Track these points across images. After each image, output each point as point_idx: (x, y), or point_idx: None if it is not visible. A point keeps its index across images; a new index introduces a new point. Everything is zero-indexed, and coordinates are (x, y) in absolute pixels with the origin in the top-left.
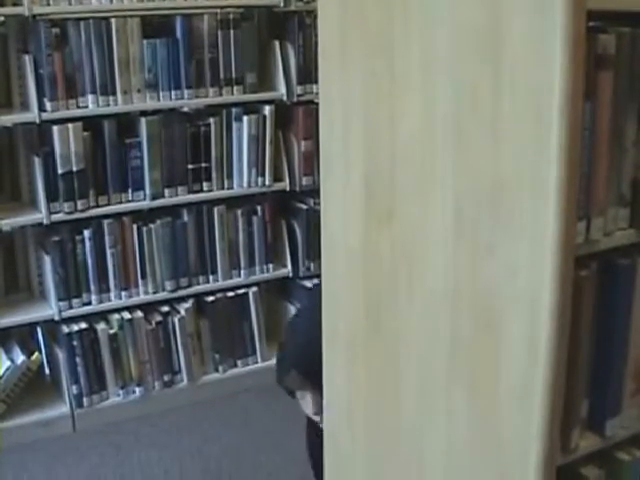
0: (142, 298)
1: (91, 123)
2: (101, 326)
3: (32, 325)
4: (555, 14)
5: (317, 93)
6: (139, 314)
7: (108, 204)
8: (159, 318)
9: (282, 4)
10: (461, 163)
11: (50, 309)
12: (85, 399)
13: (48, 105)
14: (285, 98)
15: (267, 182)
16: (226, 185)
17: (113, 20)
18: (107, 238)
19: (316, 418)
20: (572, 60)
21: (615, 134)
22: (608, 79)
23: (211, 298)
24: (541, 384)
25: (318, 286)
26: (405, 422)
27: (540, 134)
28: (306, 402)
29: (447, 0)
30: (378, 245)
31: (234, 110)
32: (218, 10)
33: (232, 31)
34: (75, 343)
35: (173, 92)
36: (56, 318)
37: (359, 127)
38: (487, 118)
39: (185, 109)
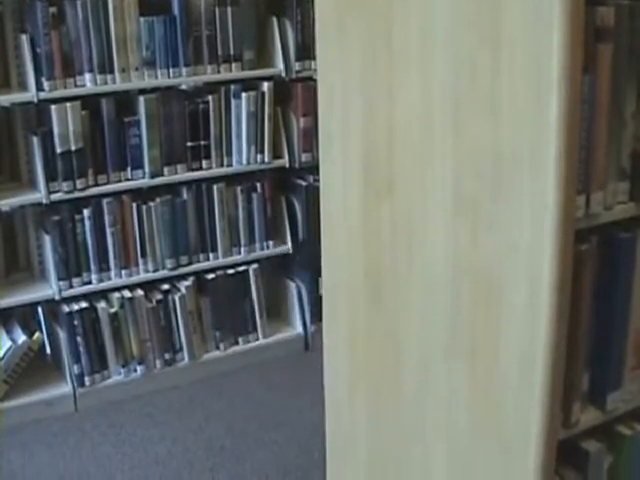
0: (142, 277)
1: (89, 102)
2: (102, 305)
3: (33, 305)
4: None
5: (316, 69)
6: (139, 293)
7: (107, 183)
8: (159, 296)
9: None
10: (460, 139)
11: (50, 289)
12: (87, 378)
13: (46, 84)
14: (284, 74)
15: (266, 159)
16: (225, 162)
17: None
18: (107, 217)
19: None
20: (570, 32)
21: (614, 107)
22: (607, 51)
23: (211, 276)
24: (542, 358)
25: None
26: (406, 395)
27: (539, 108)
28: None
29: None
30: (377, 220)
31: (232, 87)
32: None
33: (229, 8)
34: (76, 322)
35: (171, 70)
36: (56, 298)
37: (358, 103)
38: (486, 93)
39: (183, 87)
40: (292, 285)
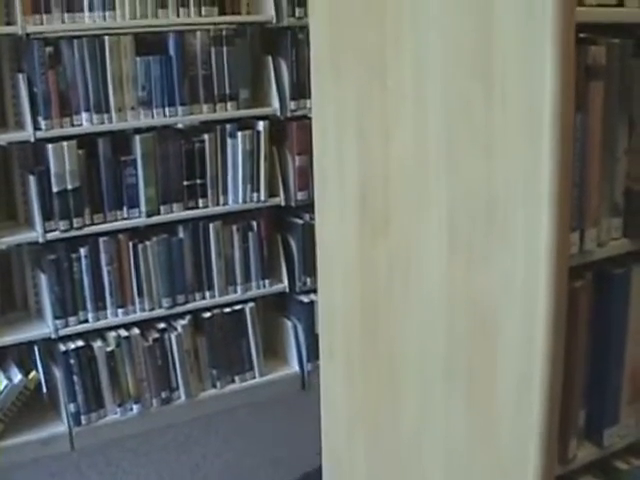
0: (139, 315)
1: (86, 141)
2: (98, 344)
3: (29, 344)
4: (545, 27)
5: (310, 108)
6: (136, 331)
7: (104, 222)
8: (156, 335)
9: (275, 20)
10: (454, 176)
11: (47, 327)
12: (83, 417)
13: (42, 124)
14: (279, 113)
15: (262, 197)
16: (221, 201)
17: (106, 38)
18: (103, 256)
19: None
20: (563, 72)
21: (606, 144)
22: (599, 89)
23: (208, 314)
24: (538, 394)
25: None
26: (404, 429)
27: (532, 146)
28: None
29: (438, 16)
30: (374, 258)
31: (228, 126)
32: (211, 27)
33: (225, 47)
34: (72, 361)
35: (167, 109)
36: (53, 336)
37: (353, 141)
38: (479, 132)
39: (179, 126)
40: (289, 324)
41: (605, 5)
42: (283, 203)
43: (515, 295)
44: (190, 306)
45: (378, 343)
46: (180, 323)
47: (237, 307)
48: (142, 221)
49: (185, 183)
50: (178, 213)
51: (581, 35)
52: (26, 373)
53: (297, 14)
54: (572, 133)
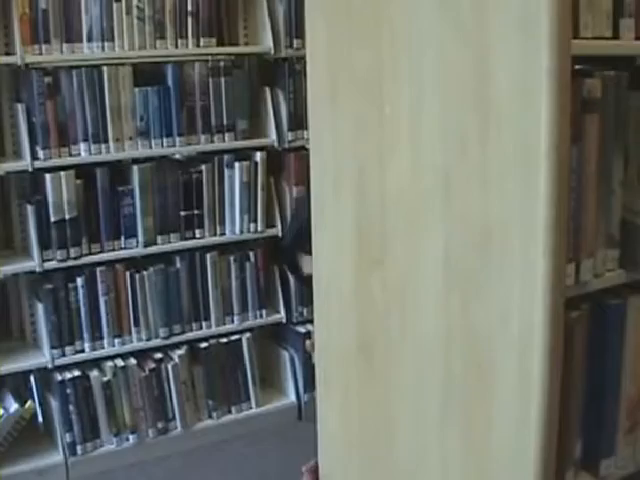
0: (135, 345)
1: (83, 171)
2: (94, 374)
3: (25, 373)
4: (541, 60)
5: (308, 139)
6: (132, 361)
7: (101, 252)
8: (152, 365)
9: (272, 51)
10: (450, 209)
11: (43, 357)
12: (79, 447)
13: (41, 153)
14: (276, 144)
15: (259, 228)
16: (218, 232)
17: (105, 68)
18: (100, 285)
19: None
20: (558, 105)
21: (602, 176)
22: (594, 122)
23: (204, 344)
24: (534, 426)
25: None
26: (399, 467)
27: (528, 179)
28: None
29: (434, 48)
30: (370, 290)
31: (226, 157)
32: (209, 58)
33: (223, 78)
34: (68, 391)
35: (165, 139)
36: (49, 366)
37: (349, 173)
38: (475, 164)
39: (177, 156)
40: (285, 354)
41: (601, 38)
42: (280, 234)
43: (511, 327)
44: (187, 336)
45: (374, 375)
46: (177, 353)
47: (234, 337)
48: (139, 251)
49: (182, 213)
50: (175, 243)
51: (577, 67)
52: (22, 403)
53: (295, 45)
54: (568, 165)
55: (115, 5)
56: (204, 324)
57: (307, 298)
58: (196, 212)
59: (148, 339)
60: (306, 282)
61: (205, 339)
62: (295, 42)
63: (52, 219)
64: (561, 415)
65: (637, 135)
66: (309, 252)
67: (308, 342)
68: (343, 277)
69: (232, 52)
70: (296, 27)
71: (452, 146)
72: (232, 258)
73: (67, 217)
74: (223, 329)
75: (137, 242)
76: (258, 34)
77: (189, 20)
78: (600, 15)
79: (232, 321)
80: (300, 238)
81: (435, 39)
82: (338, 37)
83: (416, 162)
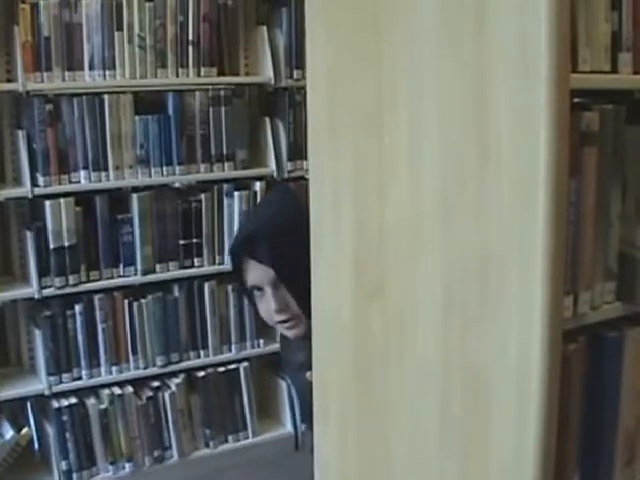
0: (133, 373)
1: (83, 198)
2: (91, 401)
3: (22, 399)
4: (540, 93)
5: (307, 169)
6: (129, 389)
7: (99, 279)
8: (149, 393)
9: (273, 82)
10: (449, 239)
11: (40, 384)
12: (75, 475)
13: (41, 180)
14: (276, 174)
15: None
16: (217, 261)
17: (106, 96)
18: (98, 313)
19: (276, 317)
20: (557, 138)
21: (600, 208)
22: (592, 155)
23: (202, 373)
24: (532, 458)
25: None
26: None
27: (526, 211)
28: (266, 299)
29: (434, 80)
30: (368, 320)
31: (225, 186)
32: (209, 87)
33: (223, 108)
34: (65, 418)
35: (165, 168)
36: (46, 393)
37: (348, 203)
38: (474, 195)
39: (176, 185)
40: (283, 383)
41: (599, 72)
42: None
43: (509, 358)
44: (184, 365)
45: (372, 405)
46: (174, 382)
47: (231, 366)
48: (138, 279)
49: (181, 242)
50: (174, 272)
51: (575, 100)
52: (18, 429)
53: (295, 76)
54: (566, 198)
55: (117, 34)
56: (202, 353)
57: None
58: (195, 241)
59: (145, 367)
60: (247, 294)
61: (202, 368)
62: (295, 72)
63: (51, 246)
64: (559, 447)
65: (635, 168)
66: (257, 259)
67: (308, 373)
68: (341, 306)
69: (232, 82)
70: (296, 58)
71: (451, 177)
72: (230, 287)
73: (66, 244)
74: (221, 358)
75: (136, 270)
76: (259, 64)
77: (190, 50)
78: (598, 49)
79: (230, 350)
80: (251, 242)
81: (435, 72)
82: (338, 68)
83: (415, 192)
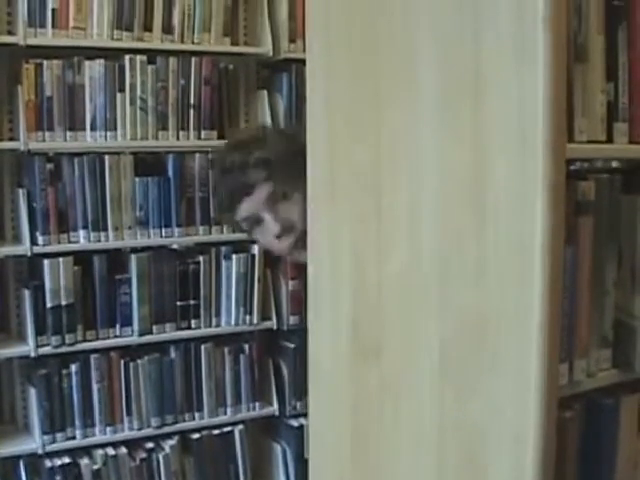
0: (127, 434)
1: (82, 258)
2: (85, 461)
3: (14, 458)
4: (537, 163)
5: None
6: (123, 450)
7: (96, 339)
8: (143, 455)
9: None
10: (446, 304)
11: (34, 442)
12: None
13: (40, 239)
14: None
15: (255, 320)
16: (214, 323)
17: (107, 157)
18: (94, 373)
19: (284, 241)
20: (553, 208)
21: (596, 276)
22: (588, 224)
23: (196, 436)
24: None
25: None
26: None
27: (523, 278)
28: (267, 227)
29: (433, 148)
30: (365, 383)
31: (223, 248)
32: (209, 150)
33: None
34: (58, 478)
35: (163, 229)
36: (40, 452)
37: (347, 266)
38: (471, 261)
39: (175, 246)
40: (278, 447)
41: (595, 142)
42: (275, 327)
43: (505, 425)
44: (179, 426)
45: (368, 470)
46: (168, 443)
47: (226, 429)
48: (134, 340)
49: (178, 303)
50: (170, 333)
51: (572, 167)
52: None
53: None
54: (562, 266)
55: (119, 95)
56: (197, 415)
57: (300, 392)
58: (192, 302)
59: (140, 428)
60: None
61: (197, 430)
62: None
63: (48, 304)
64: None
65: (630, 237)
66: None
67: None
68: (339, 370)
69: None
70: (296, 122)
71: (449, 242)
72: (227, 349)
73: (64, 303)
74: (216, 421)
75: (132, 331)
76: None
77: (191, 113)
78: (595, 120)
79: (225, 413)
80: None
81: (434, 140)
82: (338, 133)
83: (413, 255)
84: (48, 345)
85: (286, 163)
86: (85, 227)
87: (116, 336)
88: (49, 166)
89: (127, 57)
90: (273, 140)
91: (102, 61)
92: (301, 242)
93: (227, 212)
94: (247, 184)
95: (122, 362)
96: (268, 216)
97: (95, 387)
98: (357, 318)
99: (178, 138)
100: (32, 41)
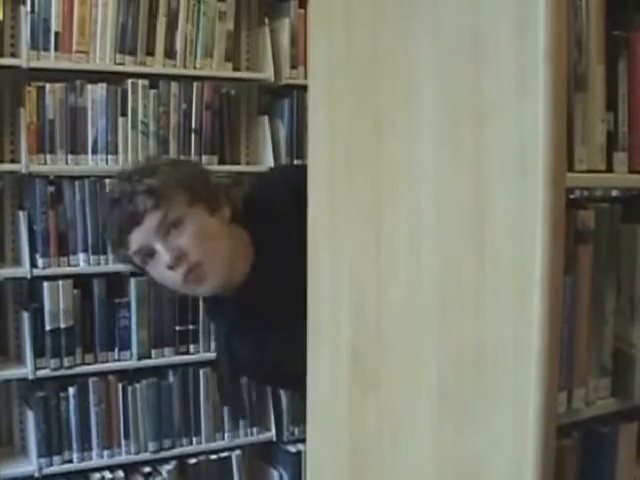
0: (124, 458)
1: (81, 281)
2: None
3: None
4: (537, 193)
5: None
6: (120, 474)
7: (94, 362)
8: (140, 479)
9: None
10: (445, 334)
11: (30, 465)
12: None
13: (40, 261)
14: None
15: None
16: (212, 348)
17: (107, 181)
18: (92, 396)
19: (177, 273)
20: (552, 237)
21: (595, 305)
22: (588, 253)
23: (194, 460)
24: None
25: None
26: None
27: (522, 307)
28: (160, 259)
29: (434, 176)
30: (364, 414)
31: None
32: None
33: None
34: None
35: None
36: (36, 475)
37: (347, 296)
38: (470, 291)
39: None
40: (275, 473)
41: (595, 171)
42: None
43: (504, 455)
44: (176, 451)
45: None
46: (165, 468)
47: (224, 454)
48: (133, 364)
49: (177, 328)
50: (169, 357)
51: (571, 196)
52: None
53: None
54: (561, 296)
55: (121, 119)
56: (194, 439)
57: (298, 417)
58: (191, 327)
59: (137, 452)
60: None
61: (194, 455)
62: (296, 163)
63: (47, 327)
64: None
65: (630, 266)
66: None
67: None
68: (338, 400)
69: (233, 170)
70: (297, 148)
71: (449, 271)
72: None
73: (62, 326)
74: (213, 446)
75: (131, 354)
76: (259, 154)
77: (192, 137)
78: (594, 149)
79: (222, 438)
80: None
81: (434, 169)
82: (339, 160)
83: (412, 286)
84: (46, 368)
85: (175, 188)
86: (85, 250)
87: (115, 360)
88: (50, 189)
89: (129, 81)
90: (164, 169)
91: (104, 85)
92: (194, 273)
93: (119, 247)
94: (136, 213)
95: (120, 386)
96: (159, 246)
97: (93, 410)
98: (357, 348)
99: None
100: (35, 64)
